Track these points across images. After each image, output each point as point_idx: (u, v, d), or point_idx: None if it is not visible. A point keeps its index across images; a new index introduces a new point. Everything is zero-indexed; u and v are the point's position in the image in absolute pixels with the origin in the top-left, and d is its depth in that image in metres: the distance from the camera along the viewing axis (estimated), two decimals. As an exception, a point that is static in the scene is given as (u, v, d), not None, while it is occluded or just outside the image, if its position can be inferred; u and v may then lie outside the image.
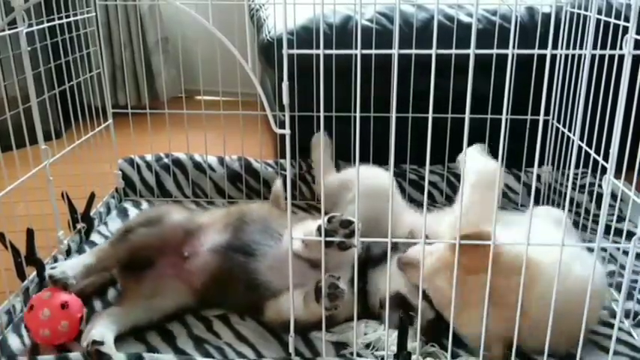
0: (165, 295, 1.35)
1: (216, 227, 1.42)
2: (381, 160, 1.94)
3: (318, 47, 0.96)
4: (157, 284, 1.36)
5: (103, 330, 1.21)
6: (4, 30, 1.28)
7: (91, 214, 1.72)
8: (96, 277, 1.45)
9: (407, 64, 1.76)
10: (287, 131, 0.96)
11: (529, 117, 1.81)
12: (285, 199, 1.15)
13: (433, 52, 0.95)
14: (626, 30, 1.22)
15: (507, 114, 0.99)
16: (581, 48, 1.63)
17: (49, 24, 1.62)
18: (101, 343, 1.17)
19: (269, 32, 1.95)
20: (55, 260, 1.53)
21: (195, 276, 1.36)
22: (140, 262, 1.39)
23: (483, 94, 1.79)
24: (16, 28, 1.42)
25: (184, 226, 1.41)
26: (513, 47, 0.97)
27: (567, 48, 1.71)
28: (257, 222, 1.41)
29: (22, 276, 1.38)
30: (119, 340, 1.25)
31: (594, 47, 1.47)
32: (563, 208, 1.65)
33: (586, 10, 1.62)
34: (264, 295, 1.29)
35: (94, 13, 1.82)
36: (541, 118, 1.02)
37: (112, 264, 1.41)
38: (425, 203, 1.06)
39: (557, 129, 1.77)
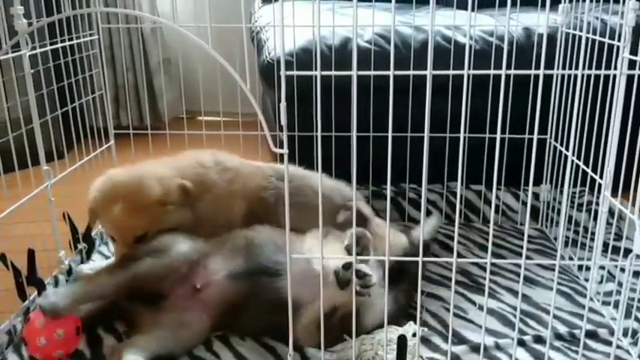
0: (192, 327, 1.32)
1: (222, 254, 1.40)
2: (380, 180, 1.96)
3: (317, 68, 0.98)
4: (178, 316, 1.33)
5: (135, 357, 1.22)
6: (7, 53, 1.31)
7: (93, 234, 1.73)
8: (94, 305, 1.43)
9: (405, 84, 1.79)
10: (285, 150, 0.97)
11: (527, 136, 1.82)
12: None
13: (429, 72, 0.97)
14: (619, 50, 1.25)
15: (502, 133, 1.00)
16: (576, 68, 1.65)
17: (52, 47, 1.65)
18: None
19: (269, 54, 1.97)
20: (56, 280, 1.54)
21: (212, 306, 1.34)
22: (149, 294, 1.35)
23: (481, 113, 1.81)
24: (19, 50, 1.45)
25: (190, 257, 1.38)
26: (507, 68, 0.98)
27: (564, 68, 1.73)
28: (267, 243, 1.41)
29: (22, 296, 1.39)
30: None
31: (589, 67, 1.50)
32: (561, 227, 1.66)
33: (581, 30, 1.64)
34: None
35: (97, 36, 1.85)
36: (535, 137, 1.03)
37: (110, 293, 1.34)
38: (422, 221, 1.06)
39: (555, 148, 1.78)
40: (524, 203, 1.95)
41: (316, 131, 1.84)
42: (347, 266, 1.16)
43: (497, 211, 1.94)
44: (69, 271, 1.60)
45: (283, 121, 0.96)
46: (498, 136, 0.99)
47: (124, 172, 1.44)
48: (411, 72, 1.10)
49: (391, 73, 0.96)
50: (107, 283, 1.33)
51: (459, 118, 1.02)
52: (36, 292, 1.43)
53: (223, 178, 1.54)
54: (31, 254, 1.40)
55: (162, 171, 1.46)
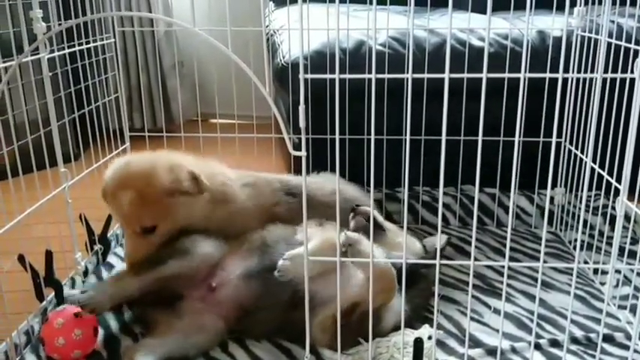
0: (206, 330, 1.33)
1: (239, 254, 1.41)
2: (393, 182, 1.96)
3: (331, 71, 0.98)
4: (194, 318, 1.33)
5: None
6: (27, 56, 1.32)
7: (108, 236, 1.74)
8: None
9: (419, 87, 1.79)
10: (303, 153, 0.98)
11: (541, 139, 1.82)
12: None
13: (446, 76, 0.97)
14: (636, 53, 1.24)
15: (520, 136, 1.00)
16: (592, 71, 1.64)
17: (70, 50, 1.67)
18: None
19: (283, 57, 1.98)
20: (73, 282, 1.55)
21: (227, 306, 1.35)
22: (167, 294, 1.36)
23: (495, 116, 1.81)
24: (37, 53, 1.46)
25: (213, 259, 1.39)
26: (525, 71, 0.98)
27: (579, 71, 1.72)
28: (279, 242, 1.42)
29: (40, 297, 1.40)
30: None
31: (605, 70, 1.50)
32: (577, 230, 1.65)
33: (597, 33, 1.64)
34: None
35: (113, 39, 1.87)
36: (554, 140, 1.03)
37: (135, 293, 1.34)
38: (439, 225, 1.07)
39: (570, 151, 1.78)
40: (539, 206, 1.94)
41: (334, 134, 1.85)
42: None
43: (511, 215, 1.94)
44: (85, 273, 1.61)
45: (302, 123, 0.96)
46: (517, 139, 0.99)
47: (141, 159, 1.43)
48: (428, 75, 1.10)
49: (410, 76, 0.97)
50: (134, 284, 1.33)
51: (473, 121, 1.02)
52: (53, 293, 1.44)
53: (243, 193, 1.55)
54: (48, 255, 1.41)
55: (178, 159, 1.44)
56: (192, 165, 1.45)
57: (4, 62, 1.33)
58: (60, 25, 1.25)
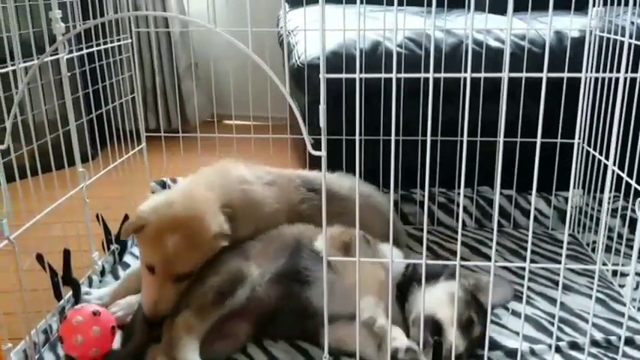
0: (234, 337, 1.32)
1: (268, 254, 1.38)
2: (410, 183, 1.95)
3: (347, 72, 0.98)
4: (222, 325, 1.29)
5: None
6: (47, 57, 1.33)
7: (125, 235, 1.74)
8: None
9: (436, 88, 1.78)
10: (323, 153, 0.97)
11: (559, 140, 1.80)
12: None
13: (468, 75, 0.97)
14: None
15: (534, 137, 0.99)
16: (610, 71, 1.63)
17: (88, 50, 1.67)
18: None
19: (299, 57, 1.98)
20: (90, 281, 1.56)
21: (254, 313, 1.32)
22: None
23: (511, 117, 1.80)
24: (56, 54, 1.47)
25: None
26: (540, 72, 0.98)
27: (597, 71, 1.71)
28: (307, 245, 1.38)
29: (58, 296, 1.41)
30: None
31: (625, 71, 1.48)
32: (597, 232, 1.63)
33: (615, 34, 1.62)
34: (320, 322, 1.17)
35: (130, 40, 1.87)
36: (576, 141, 1.03)
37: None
38: (460, 227, 1.06)
39: (587, 152, 1.76)
40: (556, 208, 1.93)
41: (349, 135, 1.85)
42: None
43: (528, 216, 1.92)
44: (102, 272, 1.62)
45: (322, 123, 0.96)
46: (538, 140, 0.98)
47: (182, 203, 1.34)
48: (449, 74, 1.09)
49: (432, 75, 0.96)
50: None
51: (488, 122, 1.01)
52: (71, 292, 1.45)
53: (268, 194, 1.50)
54: (66, 254, 1.42)
55: (213, 200, 1.38)
56: (217, 196, 1.39)
57: (23, 62, 1.34)
58: (79, 25, 1.25)
